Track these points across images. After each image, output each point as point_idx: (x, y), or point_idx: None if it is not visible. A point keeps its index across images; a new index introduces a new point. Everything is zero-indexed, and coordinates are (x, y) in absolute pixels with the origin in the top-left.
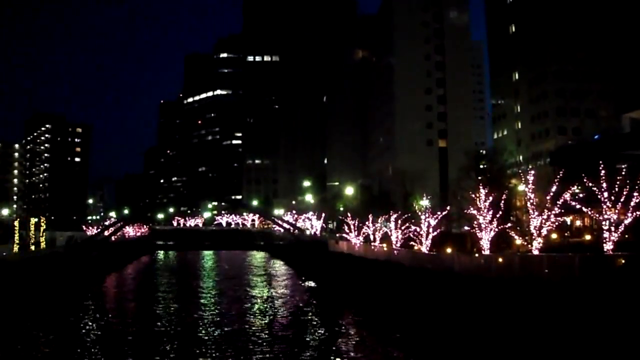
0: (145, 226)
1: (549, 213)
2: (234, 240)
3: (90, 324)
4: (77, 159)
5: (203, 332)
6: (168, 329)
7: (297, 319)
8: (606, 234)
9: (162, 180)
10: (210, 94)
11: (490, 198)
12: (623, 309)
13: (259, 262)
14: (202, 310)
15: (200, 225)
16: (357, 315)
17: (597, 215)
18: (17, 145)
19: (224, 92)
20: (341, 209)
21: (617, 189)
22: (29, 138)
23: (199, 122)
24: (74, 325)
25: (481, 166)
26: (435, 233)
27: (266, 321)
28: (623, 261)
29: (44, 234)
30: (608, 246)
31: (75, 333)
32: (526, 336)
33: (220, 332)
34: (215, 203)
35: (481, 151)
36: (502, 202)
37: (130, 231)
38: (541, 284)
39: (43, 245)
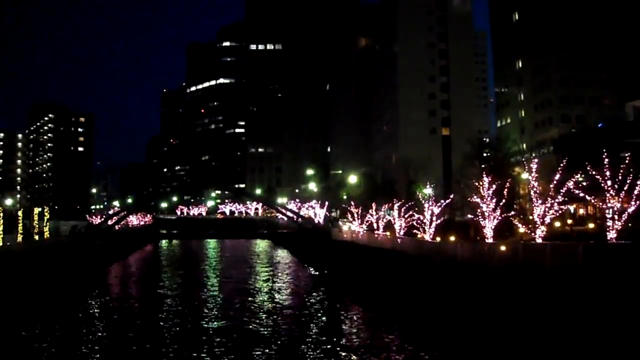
0: (148, 215)
1: (553, 201)
2: (237, 229)
3: (97, 310)
4: (80, 149)
5: (205, 324)
6: (172, 317)
7: (299, 306)
8: (609, 222)
9: (165, 169)
10: (213, 82)
11: (494, 186)
12: (626, 298)
13: (263, 251)
14: (203, 300)
15: (204, 214)
16: (357, 302)
17: (601, 204)
18: (20, 135)
19: (227, 81)
20: (345, 197)
21: (620, 177)
22: (32, 128)
23: (202, 110)
24: (80, 312)
25: (485, 154)
26: (438, 221)
27: (266, 303)
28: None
29: (48, 223)
30: (611, 234)
31: (82, 320)
32: (528, 323)
33: (221, 323)
34: (219, 192)
35: (485, 139)
36: (506, 190)
37: (133, 220)
38: (544, 272)
39: (47, 234)
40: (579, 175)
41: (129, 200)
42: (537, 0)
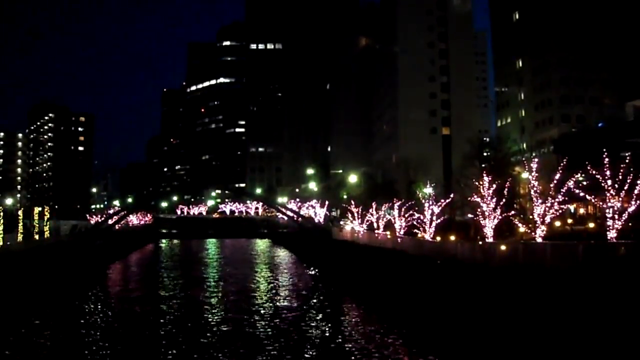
0: (149, 215)
1: (553, 201)
2: (237, 228)
3: (96, 310)
4: (80, 148)
5: (204, 324)
6: (173, 316)
7: (299, 306)
8: (610, 222)
9: (165, 169)
10: (213, 82)
11: (494, 186)
12: (626, 297)
13: (263, 250)
14: (203, 300)
15: (204, 213)
16: (358, 301)
17: (601, 203)
18: (20, 135)
19: (227, 80)
20: (345, 196)
21: (620, 177)
22: (32, 127)
23: (202, 110)
24: (80, 312)
25: (485, 154)
26: (438, 221)
27: (266, 303)
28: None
29: (48, 223)
30: (612, 234)
31: (81, 319)
32: (528, 323)
33: (220, 323)
34: (219, 191)
35: (485, 139)
36: (506, 189)
37: (134, 220)
38: (544, 271)
39: (47, 234)
40: (579, 174)
41: (129, 200)
42: (537, 0)
